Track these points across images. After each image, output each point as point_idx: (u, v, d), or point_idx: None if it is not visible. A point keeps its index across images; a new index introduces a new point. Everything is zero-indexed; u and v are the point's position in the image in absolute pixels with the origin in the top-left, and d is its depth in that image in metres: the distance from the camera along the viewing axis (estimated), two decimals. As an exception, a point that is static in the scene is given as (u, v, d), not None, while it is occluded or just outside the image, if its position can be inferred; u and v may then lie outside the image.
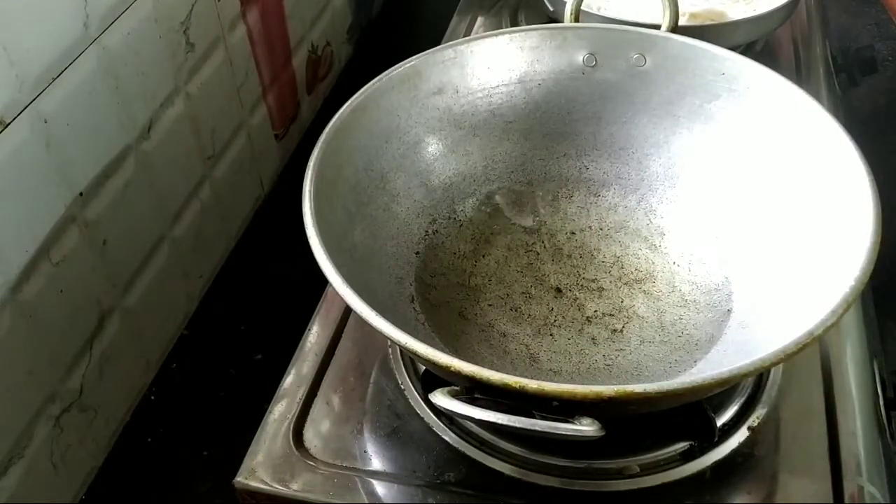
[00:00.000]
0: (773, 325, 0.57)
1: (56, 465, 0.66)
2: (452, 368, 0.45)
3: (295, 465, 0.58)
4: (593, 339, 0.62)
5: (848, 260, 0.50)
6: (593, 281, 0.66)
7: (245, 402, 0.64)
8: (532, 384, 0.44)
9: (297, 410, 0.61)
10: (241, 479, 0.57)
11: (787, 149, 0.63)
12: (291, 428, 0.60)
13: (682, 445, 0.57)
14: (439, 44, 0.71)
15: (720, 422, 0.58)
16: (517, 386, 0.44)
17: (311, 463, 0.58)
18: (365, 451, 0.59)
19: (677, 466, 0.56)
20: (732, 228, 0.66)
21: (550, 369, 0.60)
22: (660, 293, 0.65)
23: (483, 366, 0.45)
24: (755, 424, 0.58)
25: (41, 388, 0.64)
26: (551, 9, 0.92)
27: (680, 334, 0.62)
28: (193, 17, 0.77)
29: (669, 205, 0.70)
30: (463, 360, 0.45)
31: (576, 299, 0.65)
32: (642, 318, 0.63)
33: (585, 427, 0.44)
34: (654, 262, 0.67)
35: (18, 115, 0.58)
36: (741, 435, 0.57)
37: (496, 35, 0.71)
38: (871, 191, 0.53)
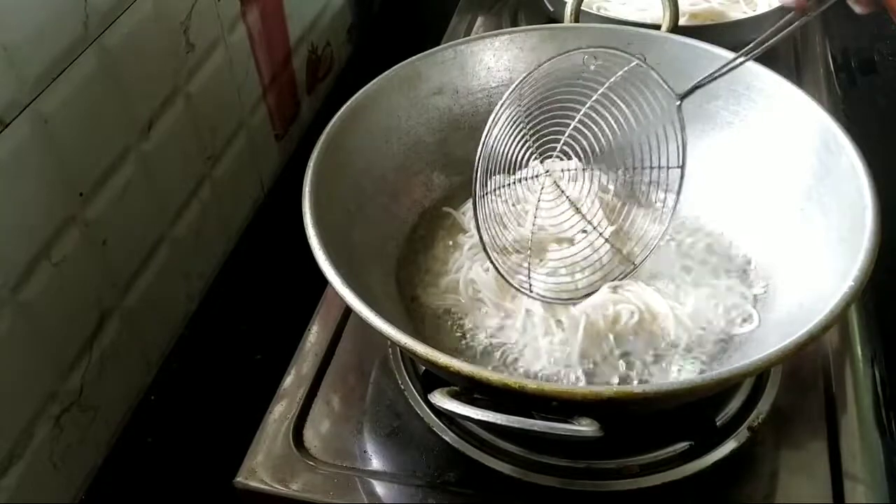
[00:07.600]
0: (774, 325, 0.57)
1: (56, 465, 0.66)
2: (452, 368, 0.45)
3: (295, 465, 0.58)
4: (593, 339, 0.62)
5: (848, 260, 0.50)
6: (593, 281, 0.66)
7: (245, 402, 0.64)
8: (531, 384, 0.44)
9: (297, 410, 0.61)
10: (241, 479, 0.57)
11: (787, 149, 0.63)
12: (291, 428, 0.60)
13: (682, 445, 0.57)
14: (439, 44, 0.71)
15: (720, 422, 0.58)
16: (517, 386, 0.44)
17: (311, 463, 0.58)
18: (365, 451, 0.59)
19: (677, 466, 0.56)
20: (732, 228, 0.66)
21: (550, 369, 0.60)
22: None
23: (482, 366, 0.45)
24: (755, 424, 0.58)
25: (41, 388, 0.64)
26: (551, 9, 0.92)
27: (680, 334, 0.62)
28: (193, 17, 0.77)
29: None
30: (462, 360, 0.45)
31: (576, 299, 0.65)
32: (642, 318, 0.63)
33: (584, 427, 0.44)
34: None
35: (18, 115, 0.58)
36: (741, 435, 0.57)
37: (496, 35, 0.71)
38: (870, 191, 0.53)
